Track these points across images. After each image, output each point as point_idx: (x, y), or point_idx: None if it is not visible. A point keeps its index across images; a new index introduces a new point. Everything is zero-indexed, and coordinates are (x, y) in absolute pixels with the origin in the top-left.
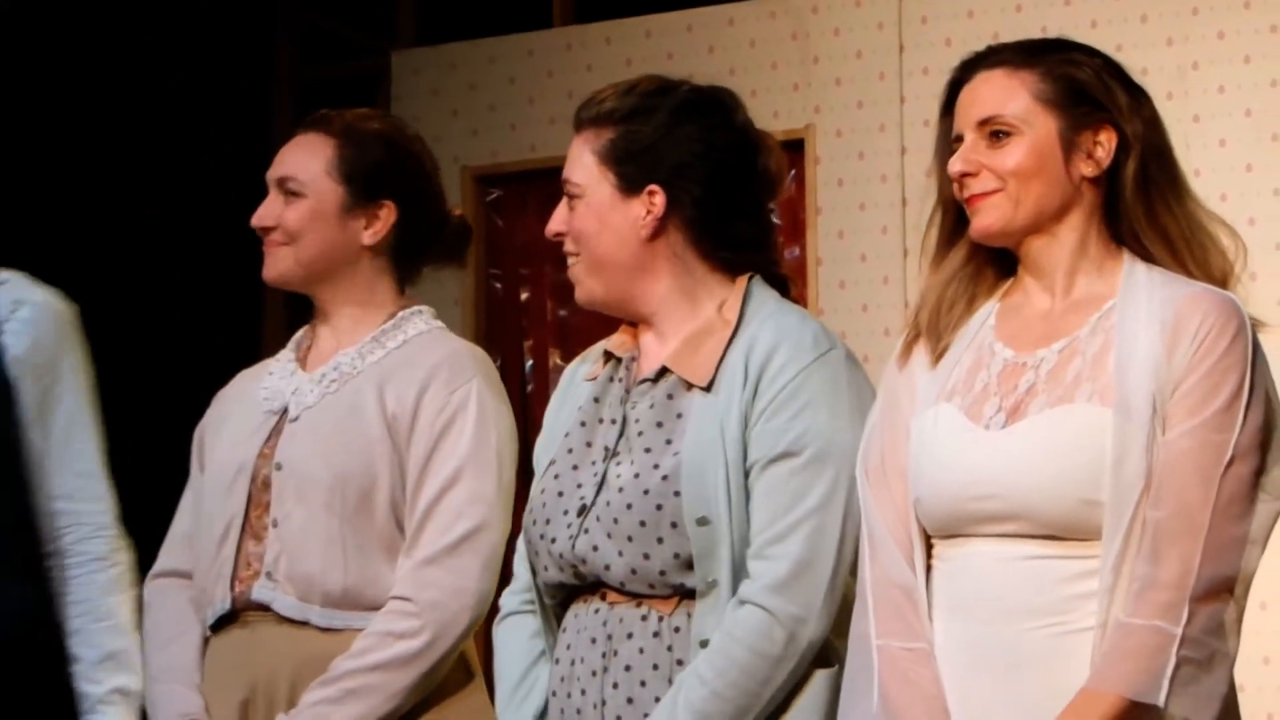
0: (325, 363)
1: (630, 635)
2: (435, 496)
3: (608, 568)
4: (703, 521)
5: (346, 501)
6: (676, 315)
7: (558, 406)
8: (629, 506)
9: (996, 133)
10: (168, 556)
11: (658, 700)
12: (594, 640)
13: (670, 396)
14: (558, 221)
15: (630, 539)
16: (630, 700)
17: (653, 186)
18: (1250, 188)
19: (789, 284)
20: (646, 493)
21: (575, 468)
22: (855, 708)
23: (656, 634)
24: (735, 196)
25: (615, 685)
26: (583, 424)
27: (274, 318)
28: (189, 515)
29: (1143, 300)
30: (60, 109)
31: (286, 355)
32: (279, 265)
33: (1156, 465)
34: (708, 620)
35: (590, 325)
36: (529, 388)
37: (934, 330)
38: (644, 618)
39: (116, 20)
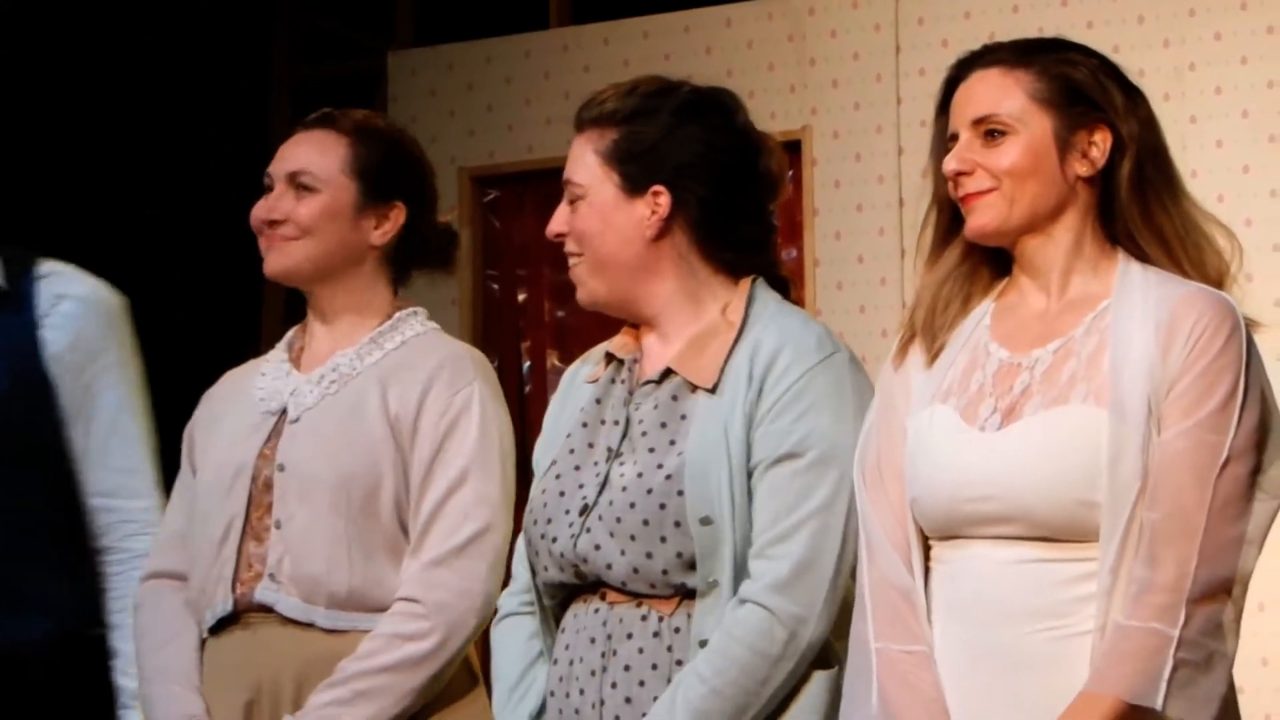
0: (322, 363)
1: (630, 635)
2: (441, 498)
3: (609, 567)
4: (706, 521)
5: (351, 502)
6: (680, 317)
7: (558, 408)
8: (632, 505)
9: (991, 131)
10: (160, 557)
11: (656, 700)
12: (593, 640)
13: (674, 398)
14: (559, 222)
15: (633, 538)
16: (629, 700)
17: (657, 187)
18: (1247, 189)
19: (789, 286)
20: (650, 492)
21: (577, 468)
22: (855, 711)
23: (656, 634)
24: (738, 197)
25: (614, 685)
26: (584, 425)
27: (272, 317)
28: (181, 515)
29: (1137, 300)
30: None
31: (279, 355)
32: (287, 259)
33: (1152, 466)
34: (707, 620)
35: (588, 326)
36: (526, 389)
37: (929, 330)
38: (644, 618)
39: (116, 20)
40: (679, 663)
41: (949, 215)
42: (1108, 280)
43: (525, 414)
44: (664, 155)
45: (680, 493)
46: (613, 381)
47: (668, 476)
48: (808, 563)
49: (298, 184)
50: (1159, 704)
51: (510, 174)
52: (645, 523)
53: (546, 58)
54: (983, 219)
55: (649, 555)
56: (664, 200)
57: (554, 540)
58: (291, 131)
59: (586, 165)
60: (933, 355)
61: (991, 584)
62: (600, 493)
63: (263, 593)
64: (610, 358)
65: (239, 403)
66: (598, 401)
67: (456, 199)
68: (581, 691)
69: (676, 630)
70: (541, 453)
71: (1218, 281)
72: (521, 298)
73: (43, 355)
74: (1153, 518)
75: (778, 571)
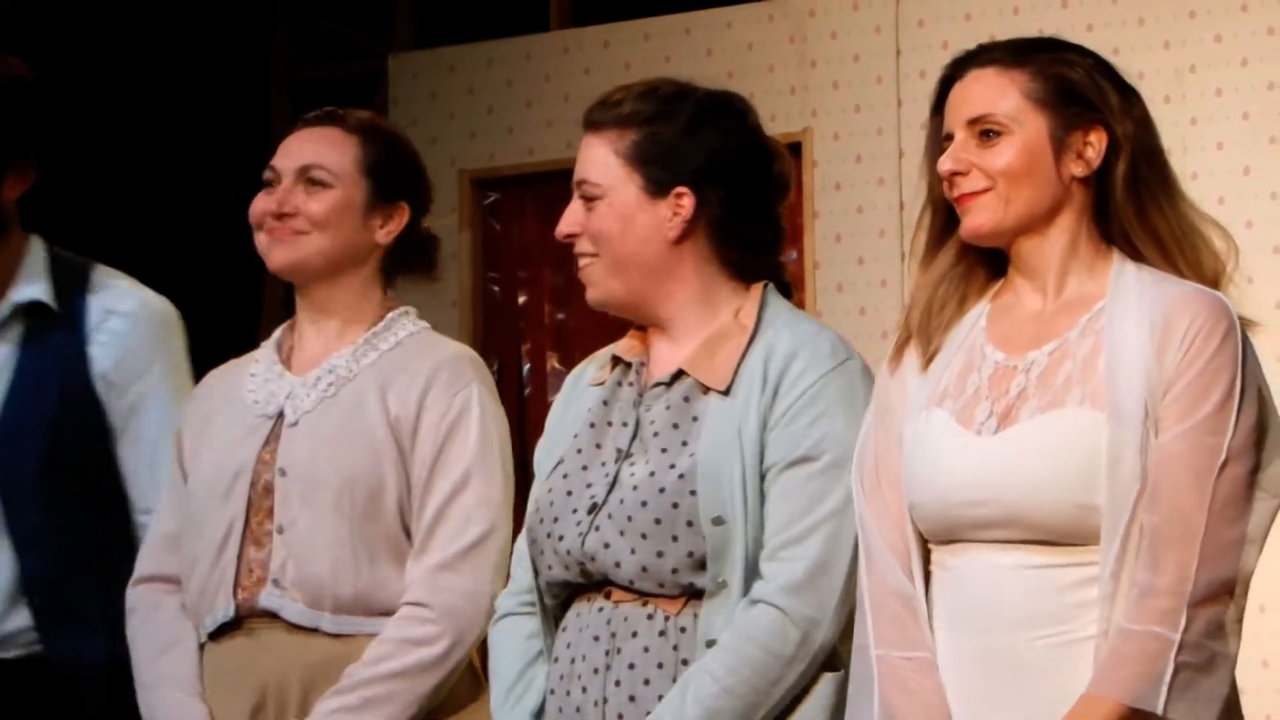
0: (316, 365)
1: (635, 634)
2: (445, 500)
3: (618, 565)
4: (718, 521)
5: (355, 505)
6: (693, 320)
7: (562, 410)
8: (644, 504)
9: (987, 131)
10: (151, 561)
11: (661, 699)
12: (596, 638)
13: (686, 399)
14: (572, 223)
15: (644, 536)
16: (632, 698)
17: (681, 189)
18: (1248, 190)
19: (791, 290)
20: (662, 491)
21: (585, 468)
22: (858, 719)
23: (662, 633)
24: (753, 200)
25: (618, 683)
26: (591, 425)
27: (272, 317)
28: (172, 518)
29: (1132, 301)
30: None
31: (268, 356)
32: (296, 253)
33: (1151, 469)
34: (715, 621)
35: (588, 329)
36: (526, 391)
37: (925, 332)
38: (650, 616)
39: (115, 20)
40: (685, 662)
41: (943, 215)
42: (1103, 281)
43: (525, 416)
44: (686, 157)
45: (693, 492)
46: (619, 384)
47: (680, 476)
48: (822, 566)
49: (309, 179)
50: (1160, 707)
51: (511, 176)
52: (657, 521)
53: (547, 60)
54: (978, 219)
55: (660, 554)
56: (687, 202)
57: (560, 538)
58: (291, 128)
59: (606, 165)
60: (928, 358)
61: (993, 590)
62: (610, 492)
63: (267, 598)
64: (616, 361)
65: (229, 404)
66: (605, 403)
67: (457, 201)
68: (584, 689)
69: (683, 630)
70: (543, 454)
71: (1214, 281)
72: (522, 300)
73: (91, 374)
74: (1152, 521)
75: (792, 573)
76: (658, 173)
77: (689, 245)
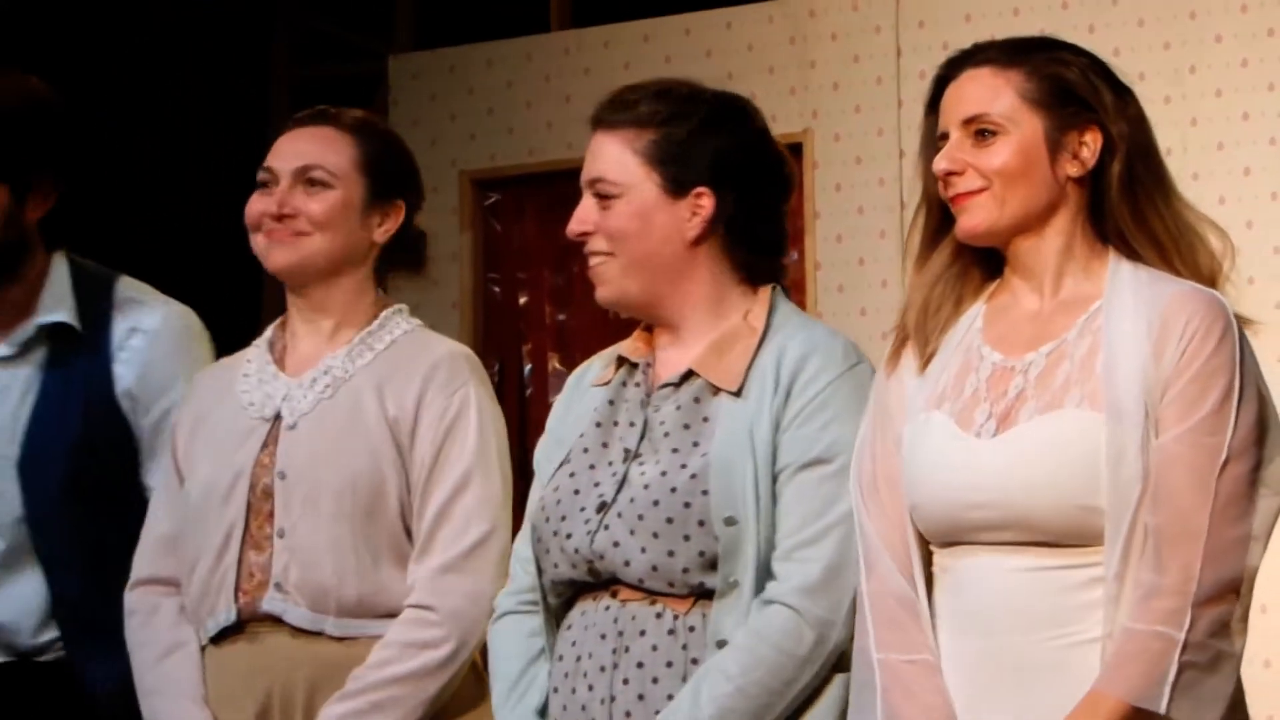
0: (311, 366)
1: (643, 632)
2: (447, 500)
3: (627, 564)
4: (730, 521)
5: (356, 507)
6: (703, 321)
7: (564, 410)
8: (655, 503)
9: (982, 131)
10: (148, 563)
11: (670, 698)
12: (603, 636)
13: (697, 400)
14: (585, 221)
15: (655, 535)
16: (641, 697)
17: (701, 189)
18: (1248, 191)
19: (789, 292)
20: (674, 490)
21: (592, 467)
22: None
23: (671, 631)
24: (764, 202)
25: (626, 681)
26: (598, 425)
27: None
28: (167, 521)
29: (1129, 301)
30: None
31: (261, 357)
32: (297, 253)
33: (1152, 469)
34: (725, 620)
35: (588, 329)
36: (528, 391)
37: (922, 333)
38: (658, 615)
39: (115, 20)
40: (694, 661)
41: (938, 215)
42: (1099, 281)
43: (526, 417)
44: (704, 158)
45: (705, 492)
46: (624, 384)
47: (692, 476)
48: (836, 568)
49: (308, 179)
50: (1163, 707)
51: (511, 177)
52: (669, 520)
53: (547, 61)
54: (973, 219)
55: (671, 553)
56: (706, 202)
57: (568, 537)
58: (284, 127)
59: (623, 164)
60: (925, 360)
61: (997, 594)
62: (618, 491)
63: (269, 603)
64: (622, 361)
65: (222, 406)
66: (611, 403)
67: (457, 202)
68: (590, 687)
69: (691, 629)
70: (543, 454)
71: (1211, 280)
72: (522, 301)
73: (116, 392)
74: (1155, 522)
75: (808, 574)
76: (677, 172)
77: (705, 246)
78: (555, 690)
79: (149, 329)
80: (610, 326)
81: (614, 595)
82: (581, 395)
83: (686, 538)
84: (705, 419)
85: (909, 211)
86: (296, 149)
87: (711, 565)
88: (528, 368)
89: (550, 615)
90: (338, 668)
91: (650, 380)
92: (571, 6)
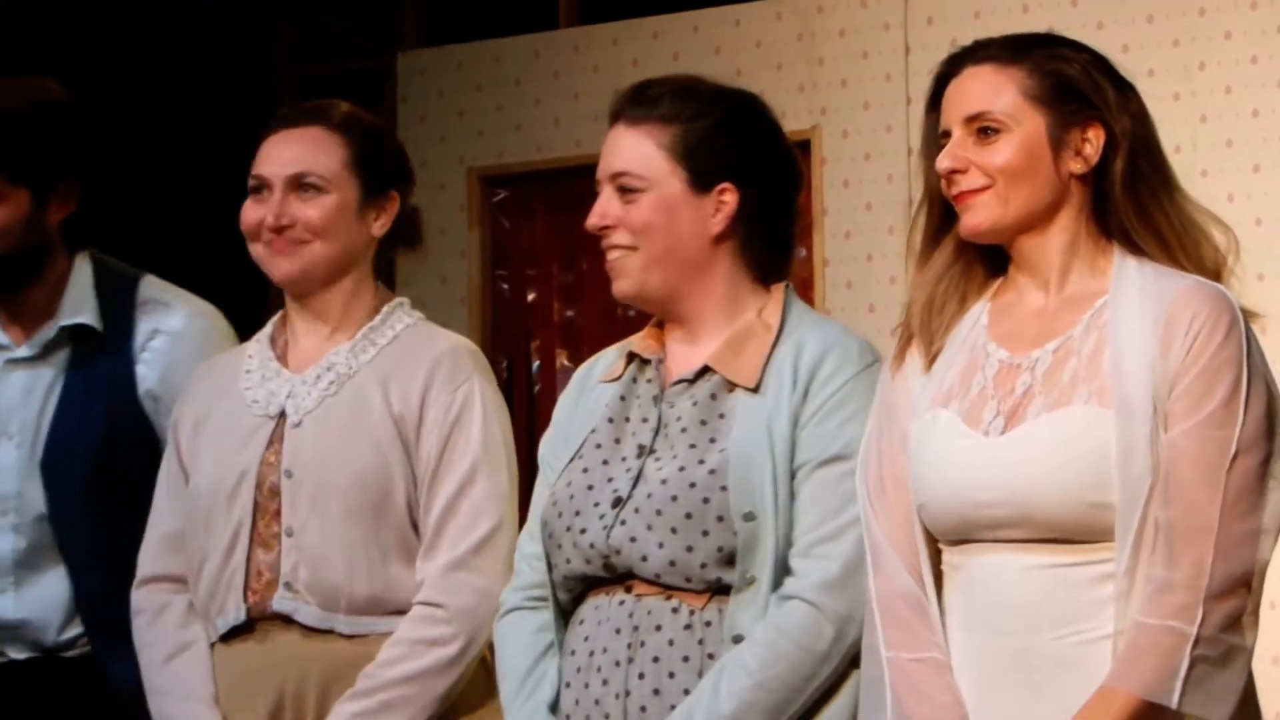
0: (314, 362)
1: (659, 627)
2: (453, 496)
3: (645, 559)
4: (749, 517)
5: (365, 505)
6: (718, 318)
7: (571, 405)
8: (674, 499)
9: (985, 129)
10: (154, 561)
11: (686, 692)
12: (618, 631)
13: (714, 396)
14: (606, 215)
15: (674, 530)
16: (657, 691)
17: (725, 185)
18: (1257, 188)
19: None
20: (693, 486)
21: (605, 463)
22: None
23: (688, 626)
24: (780, 199)
25: (641, 676)
26: (610, 420)
27: None
28: (172, 517)
29: (1134, 296)
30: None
31: (263, 352)
32: (302, 262)
33: (1161, 464)
34: (742, 616)
35: (596, 326)
36: (536, 388)
37: (926, 332)
38: (674, 610)
39: (119, 20)
40: (710, 656)
41: (940, 212)
42: (1104, 276)
43: (534, 413)
44: (728, 154)
45: (724, 488)
46: (635, 380)
47: (711, 471)
48: (855, 564)
49: (302, 185)
50: (1175, 702)
51: (519, 174)
52: (688, 516)
53: (555, 58)
54: (977, 218)
55: (689, 549)
56: (730, 198)
57: (583, 532)
58: (268, 128)
59: (649, 158)
60: (931, 358)
61: (1007, 590)
62: (634, 486)
63: (279, 602)
64: (632, 356)
65: (224, 402)
66: (622, 399)
67: (465, 199)
68: (604, 682)
69: (708, 624)
70: (549, 448)
71: (1215, 274)
72: (531, 297)
73: (139, 393)
74: (1166, 516)
75: (827, 570)
76: (704, 168)
77: (725, 243)
78: (567, 685)
79: (171, 330)
80: (618, 323)
81: (628, 590)
82: (589, 390)
83: (705, 533)
84: (722, 415)
85: None
86: (285, 155)
87: (729, 561)
88: (536, 364)
89: (560, 610)
90: (349, 665)
91: (663, 376)
92: (580, 3)
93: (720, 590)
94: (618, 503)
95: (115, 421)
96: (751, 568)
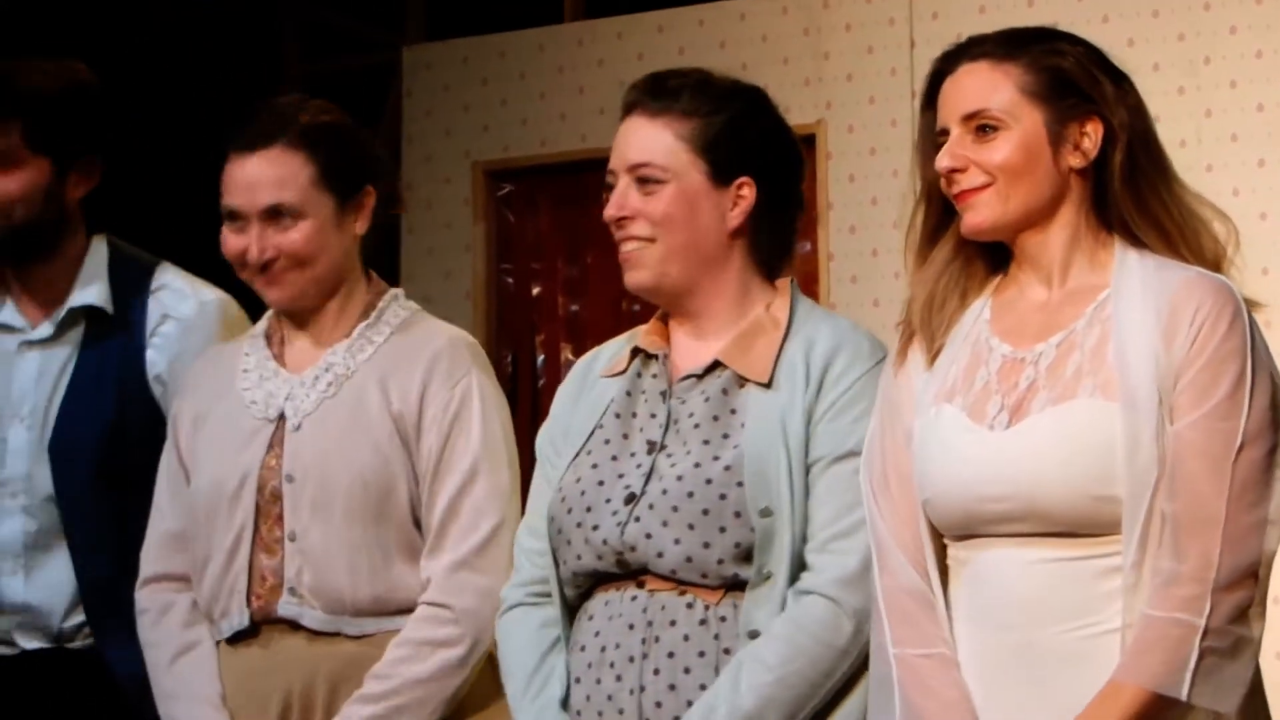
0: (312, 362)
1: (673, 622)
2: (455, 495)
3: (660, 555)
4: (765, 513)
5: (366, 506)
6: (726, 313)
7: (572, 398)
8: (690, 495)
9: (983, 127)
10: (157, 560)
11: (703, 688)
12: (631, 626)
13: (725, 392)
14: (624, 206)
15: (691, 527)
16: (672, 687)
17: (743, 179)
18: (1262, 182)
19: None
20: (709, 482)
21: (614, 458)
22: (880, 717)
23: (703, 621)
24: (789, 194)
25: (656, 671)
26: (617, 416)
27: None
28: (174, 517)
29: (1136, 288)
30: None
31: (260, 351)
32: (292, 288)
33: (1167, 456)
34: (758, 612)
35: (601, 320)
36: (540, 382)
37: (928, 328)
38: (689, 605)
39: (124, 18)
40: (726, 651)
41: (938, 210)
42: (1106, 270)
43: (538, 407)
44: (746, 148)
45: (740, 484)
46: (640, 375)
47: (726, 468)
48: (871, 560)
49: (277, 213)
50: (1184, 694)
51: (524, 168)
52: (705, 512)
53: (560, 52)
54: (979, 216)
55: (706, 545)
56: (748, 192)
57: (594, 528)
58: (231, 145)
59: (670, 150)
60: (933, 355)
61: (1014, 584)
62: (647, 483)
63: (284, 607)
64: (636, 351)
65: (223, 401)
66: (628, 394)
67: (470, 193)
68: (618, 678)
69: (723, 619)
70: (547, 440)
71: (1215, 264)
72: (535, 291)
73: (148, 379)
74: (1173, 509)
75: (845, 566)
76: (724, 161)
77: (740, 238)
78: (577, 681)
79: (182, 316)
80: (623, 317)
81: (640, 585)
82: (591, 385)
83: (722, 529)
84: (734, 411)
85: None
86: (254, 184)
87: (745, 556)
88: (540, 358)
89: (566, 605)
90: (357, 666)
91: (669, 371)
92: None
93: (735, 586)
94: (630, 499)
95: (125, 405)
96: (768, 563)
